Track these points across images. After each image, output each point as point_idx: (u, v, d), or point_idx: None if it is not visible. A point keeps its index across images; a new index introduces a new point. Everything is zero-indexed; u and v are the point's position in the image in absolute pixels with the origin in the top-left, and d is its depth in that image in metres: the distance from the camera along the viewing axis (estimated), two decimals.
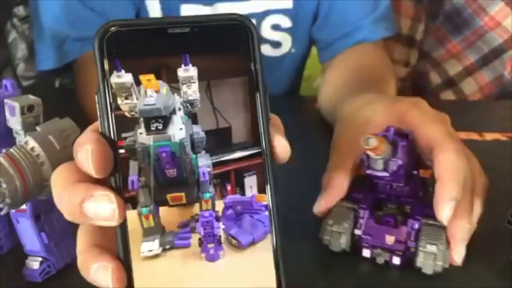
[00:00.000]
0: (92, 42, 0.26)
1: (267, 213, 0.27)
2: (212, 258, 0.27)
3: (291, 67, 0.82)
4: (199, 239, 0.27)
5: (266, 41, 0.76)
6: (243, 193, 0.28)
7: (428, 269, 0.38)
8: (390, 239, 0.39)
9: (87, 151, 0.24)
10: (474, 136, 0.60)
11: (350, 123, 0.48)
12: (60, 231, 0.40)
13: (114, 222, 0.25)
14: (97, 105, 0.26)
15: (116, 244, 0.26)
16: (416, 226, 0.39)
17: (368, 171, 0.39)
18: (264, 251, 0.27)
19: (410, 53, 0.86)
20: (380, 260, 0.40)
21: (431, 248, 0.38)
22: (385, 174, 0.38)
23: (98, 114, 0.26)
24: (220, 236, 0.27)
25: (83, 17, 0.67)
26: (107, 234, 0.26)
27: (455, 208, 0.37)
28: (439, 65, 0.85)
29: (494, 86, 0.82)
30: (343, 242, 0.40)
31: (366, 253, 0.40)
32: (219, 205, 0.27)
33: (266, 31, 0.75)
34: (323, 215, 0.43)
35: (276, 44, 0.77)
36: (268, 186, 0.27)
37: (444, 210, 0.37)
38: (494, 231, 0.39)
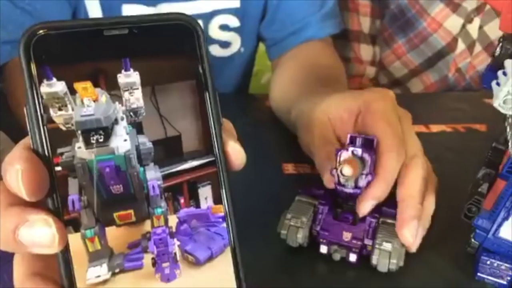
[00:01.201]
0: (17, 47, 0.23)
1: (224, 225, 0.25)
2: (167, 279, 0.25)
3: (241, 66, 0.81)
4: (152, 258, 0.25)
5: (215, 41, 0.74)
6: (197, 205, 0.26)
7: (382, 267, 0.38)
8: (347, 236, 0.39)
9: (16, 172, 0.22)
10: (422, 128, 0.62)
11: (318, 113, 0.47)
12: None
13: (54, 249, 0.22)
14: (26, 119, 0.23)
15: (58, 272, 0.23)
16: (373, 224, 0.39)
17: (340, 188, 0.39)
18: (224, 265, 0.25)
19: (374, 51, 0.87)
20: (336, 256, 0.39)
21: (387, 246, 0.37)
22: (357, 191, 0.38)
23: (29, 128, 0.23)
24: (175, 254, 0.25)
25: (13, 18, 0.62)
26: (47, 261, 0.24)
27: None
28: (385, 68, 0.87)
29: (438, 86, 0.85)
30: (300, 237, 0.39)
31: (323, 249, 0.40)
32: (172, 220, 0.25)
33: (214, 31, 0.73)
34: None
35: (225, 44, 0.75)
36: (224, 195, 0.25)
37: (365, 206, 0.39)
38: (447, 222, 0.40)
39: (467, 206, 0.36)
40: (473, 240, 0.38)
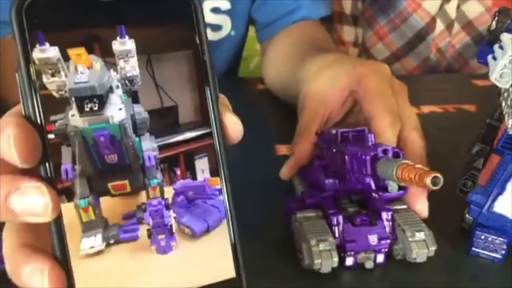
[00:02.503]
0: (9, 11, 0.22)
1: (221, 197, 0.25)
2: (163, 250, 0.24)
3: (231, 50, 0.80)
4: (148, 230, 0.24)
5: (206, 25, 0.73)
6: (194, 177, 0.25)
7: (422, 258, 0.36)
8: (373, 239, 0.36)
9: (8, 137, 0.21)
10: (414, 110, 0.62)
11: (314, 86, 0.48)
12: None
13: (47, 217, 0.22)
14: (18, 85, 0.23)
15: (51, 242, 0.22)
16: (390, 216, 0.37)
17: (384, 195, 0.33)
18: (220, 238, 0.25)
19: (356, 32, 0.87)
20: (370, 264, 0.36)
21: (420, 235, 0.35)
22: (402, 192, 0.33)
23: (20, 95, 0.23)
24: (171, 226, 0.25)
25: None
26: (38, 232, 0.23)
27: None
28: (367, 50, 0.87)
29: (421, 69, 0.85)
30: (336, 259, 0.35)
31: (350, 261, 0.36)
32: (169, 192, 0.25)
33: (206, 14, 0.72)
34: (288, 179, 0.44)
35: (216, 28, 0.75)
36: (221, 167, 0.25)
37: None
38: (440, 199, 0.39)
39: (463, 181, 0.36)
40: (467, 215, 0.38)
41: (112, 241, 0.24)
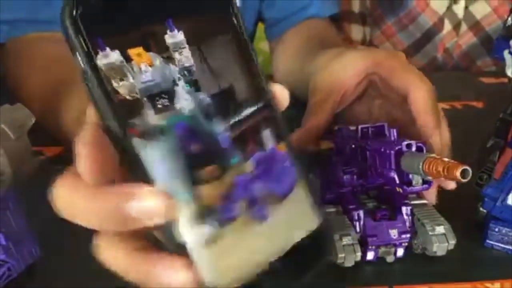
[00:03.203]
0: (62, 25, 0.22)
1: (288, 162, 0.27)
2: (261, 219, 0.26)
3: None
4: (244, 205, 0.25)
5: None
6: (263, 148, 0.27)
7: (442, 251, 0.37)
8: (394, 233, 0.37)
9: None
10: None
11: (327, 69, 0.47)
12: (18, 231, 0.34)
13: (165, 218, 0.22)
14: (89, 95, 0.22)
15: (165, 240, 0.23)
16: (409, 211, 0.38)
17: (409, 189, 0.34)
18: (299, 198, 0.27)
19: (364, 31, 0.87)
20: (391, 258, 0.37)
21: (440, 229, 0.36)
22: (426, 186, 0.34)
23: (94, 105, 0.22)
24: (260, 196, 0.26)
25: None
26: (137, 235, 0.23)
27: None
28: None
29: (428, 68, 0.87)
30: (359, 254, 0.36)
31: (371, 255, 0.37)
32: (247, 166, 0.26)
33: None
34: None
35: None
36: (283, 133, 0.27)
37: (436, 136, 0.39)
38: (450, 192, 0.40)
39: (479, 174, 0.37)
40: (480, 209, 0.39)
41: (217, 224, 0.24)
